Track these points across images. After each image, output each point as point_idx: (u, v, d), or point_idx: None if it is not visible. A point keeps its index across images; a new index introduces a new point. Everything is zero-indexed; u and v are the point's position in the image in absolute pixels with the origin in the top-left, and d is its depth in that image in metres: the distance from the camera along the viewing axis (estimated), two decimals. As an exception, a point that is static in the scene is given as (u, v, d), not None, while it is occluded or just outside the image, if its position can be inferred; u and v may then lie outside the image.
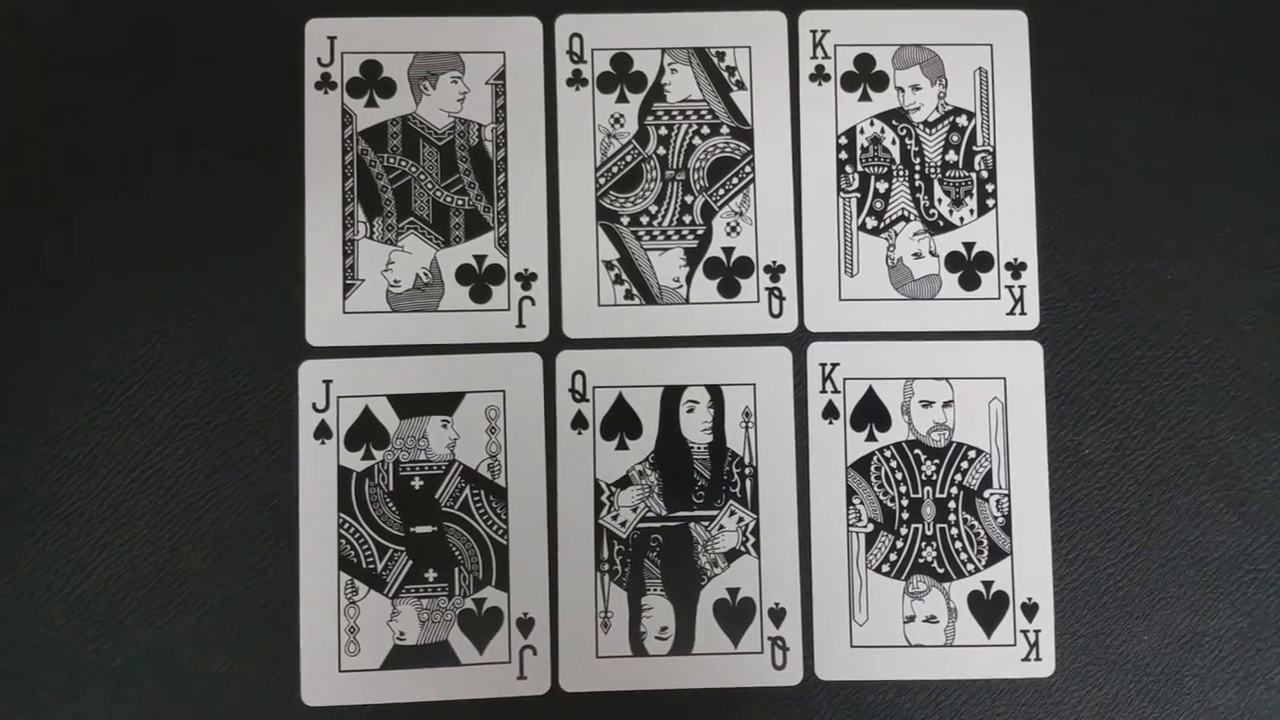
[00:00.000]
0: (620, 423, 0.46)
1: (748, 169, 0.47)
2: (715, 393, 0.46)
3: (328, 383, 0.45)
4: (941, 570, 0.46)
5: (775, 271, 0.47)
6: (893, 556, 0.46)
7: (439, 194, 0.47)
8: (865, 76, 0.48)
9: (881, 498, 0.46)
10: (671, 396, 0.46)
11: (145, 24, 0.46)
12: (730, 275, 0.47)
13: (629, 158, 0.47)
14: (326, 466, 0.45)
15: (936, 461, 0.46)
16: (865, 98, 0.47)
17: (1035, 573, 0.46)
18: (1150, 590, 0.46)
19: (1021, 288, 0.47)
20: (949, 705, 0.46)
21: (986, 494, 0.46)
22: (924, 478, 0.46)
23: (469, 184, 0.47)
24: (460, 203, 0.47)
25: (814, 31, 0.47)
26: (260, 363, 0.46)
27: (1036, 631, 0.46)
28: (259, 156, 0.46)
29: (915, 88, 0.47)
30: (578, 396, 0.46)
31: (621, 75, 0.47)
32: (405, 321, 0.46)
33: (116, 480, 0.45)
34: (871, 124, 0.47)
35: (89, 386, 0.45)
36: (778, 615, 0.45)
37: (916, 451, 0.46)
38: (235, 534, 0.45)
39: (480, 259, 0.46)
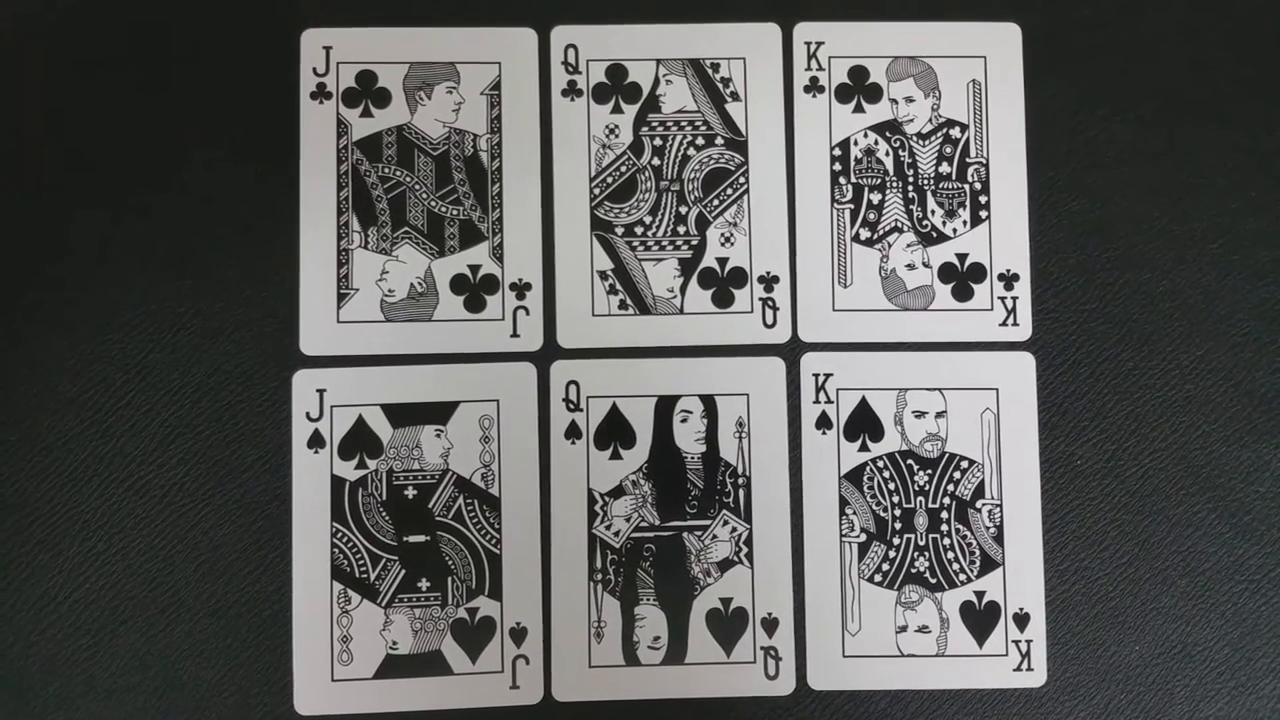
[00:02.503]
0: (614, 432, 0.46)
1: (742, 180, 0.47)
2: (709, 403, 0.46)
3: (321, 392, 0.45)
4: (934, 580, 0.46)
5: (769, 282, 0.47)
6: (885, 567, 0.46)
7: (434, 204, 0.47)
8: (859, 88, 0.48)
9: (874, 508, 0.46)
10: (665, 406, 0.46)
11: (145, 25, 0.46)
12: (724, 286, 0.47)
13: (623, 168, 0.47)
14: (320, 475, 0.45)
15: (929, 472, 0.46)
16: (859, 109, 0.48)
17: (1027, 583, 0.46)
18: (1142, 601, 0.46)
19: (1014, 299, 0.47)
20: (941, 715, 0.46)
21: (979, 504, 0.46)
22: (916, 488, 0.46)
23: (464, 194, 0.47)
24: (455, 213, 0.47)
25: (808, 43, 0.48)
26: (254, 371, 0.46)
27: (1028, 642, 0.46)
28: (254, 165, 0.46)
29: (909, 99, 0.48)
30: (571, 406, 0.46)
31: (616, 86, 0.47)
32: (399, 331, 0.46)
33: (110, 489, 0.45)
34: (865, 135, 0.47)
35: (82, 395, 0.45)
36: (770, 625, 0.46)
37: (909, 462, 0.46)
38: (228, 543, 0.45)
39: (475, 269, 0.46)
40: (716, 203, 0.47)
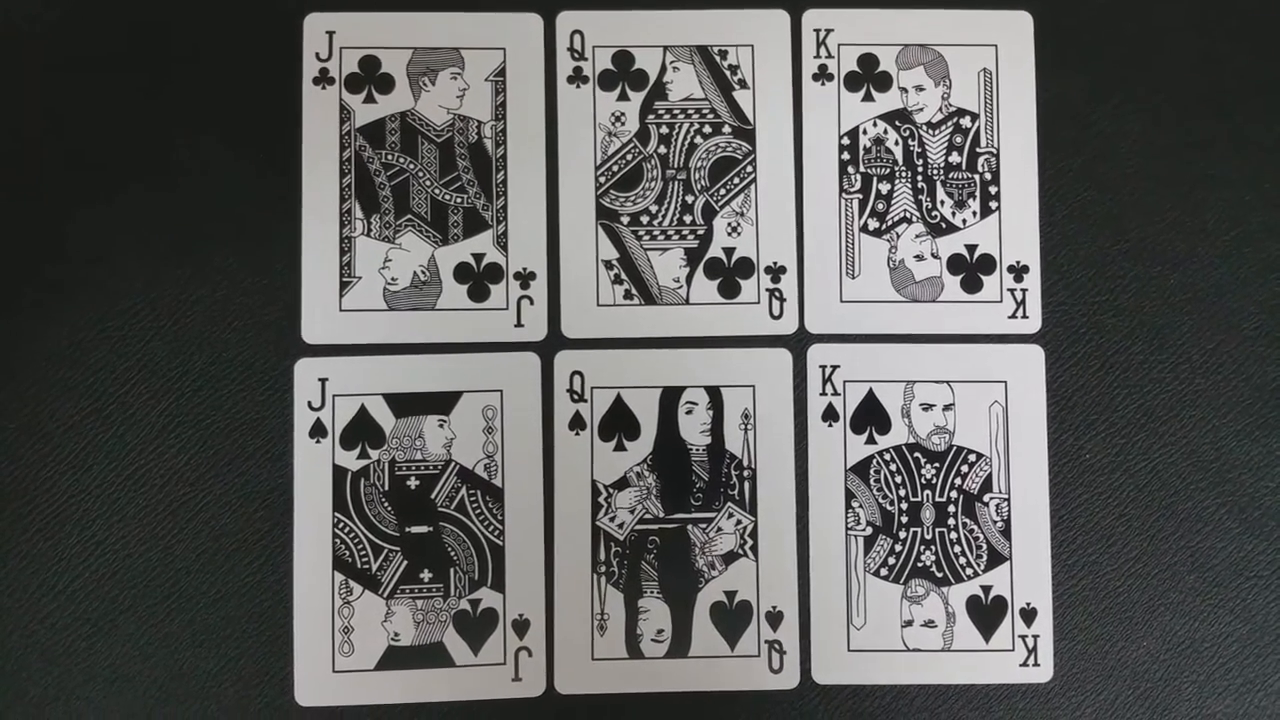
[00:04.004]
0: (618, 424, 0.46)
1: (749, 169, 0.47)
2: (714, 394, 0.46)
3: (323, 381, 0.45)
4: (940, 574, 0.46)
5: (776, 272, 0.46)
6: (891, 560, 0.46)
7: (437, 191, 0.46)
8: (868, 76, 0.47)
9: (881, 501, 0.46)
10: (670, 398, 0.46)
11: (145, 24, 0.46)
12: (731, 276, 0.46)
13: (630, 156, 0.47)
14: (322, 465, 0.45)
15: (936, 465, 0.46)
16: (868, 98, 0.47)
17: (1034, 578, 0.46)
18: (1150, 596, 0.46)
19: (1024, 291, 0.47)
20: (946, 710, 0.45)
21: (986, 498, 0.46)
22: (923, 481, 0.46)
23: (468, 181, 0.46)
24: (459, 200, 0.46)
25: (817, 31, 0.47)
26: (255, 360, 0.45)
27: (1035, 637, 0.46)
28: (256, 152, 0.46)
29: (919, 88, 0.47)
30: (576, 397, 0.45)
31: (623, 73, 0.47)
32: (402, 320, 0.45)
33: (110, 477, 0.45)
34: (874, 124, 0.47)
35: (83, 383, 0.45)
36: (775, 618, 0.45)
37: (916, 455, 0.46)
38: (229, 532, 0.45)
39: (478, 257, 0.46)
40: (723, 192, 0.47)
